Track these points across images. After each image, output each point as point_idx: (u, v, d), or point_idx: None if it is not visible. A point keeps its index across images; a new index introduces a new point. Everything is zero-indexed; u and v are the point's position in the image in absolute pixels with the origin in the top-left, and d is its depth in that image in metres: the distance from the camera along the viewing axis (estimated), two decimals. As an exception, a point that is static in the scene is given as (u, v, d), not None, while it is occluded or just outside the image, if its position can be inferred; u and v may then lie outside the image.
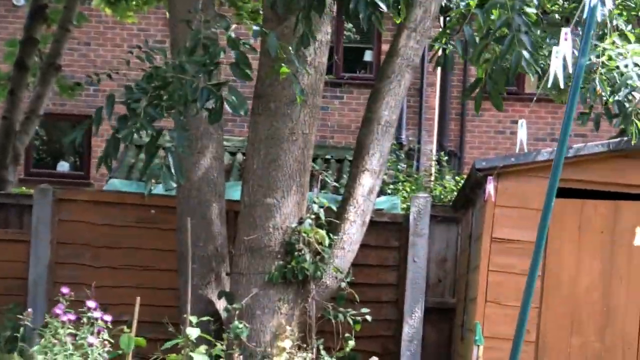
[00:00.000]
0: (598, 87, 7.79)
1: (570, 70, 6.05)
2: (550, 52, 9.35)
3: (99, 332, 7.11)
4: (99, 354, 6.98)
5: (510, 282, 7.64)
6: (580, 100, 8.90)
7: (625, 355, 7.62)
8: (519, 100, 15.38)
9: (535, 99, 8.50)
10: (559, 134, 5.81)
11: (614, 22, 8.34)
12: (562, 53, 5.93)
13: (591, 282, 7.70)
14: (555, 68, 5.94)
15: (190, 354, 7.31)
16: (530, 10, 7.34)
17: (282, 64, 6.71)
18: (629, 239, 7.69)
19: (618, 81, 7.80)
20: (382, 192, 11.17)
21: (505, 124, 15.59)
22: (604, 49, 7.92)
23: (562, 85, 6.10)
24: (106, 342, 7.18)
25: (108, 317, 7.28)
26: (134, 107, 6.38)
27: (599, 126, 8.44)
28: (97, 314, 7.20)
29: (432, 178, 13.86)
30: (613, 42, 8.01)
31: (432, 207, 9.71)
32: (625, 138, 7.78)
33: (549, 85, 6.16)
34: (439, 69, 15.31)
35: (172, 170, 6.41)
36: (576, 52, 5.97)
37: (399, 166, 13.62)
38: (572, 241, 7.67)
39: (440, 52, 8.18)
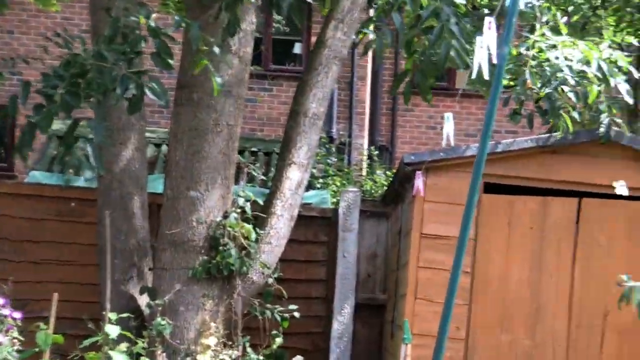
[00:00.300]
0: (528, 80, 7.70)
1: (495, 61, 5.93)
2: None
3: (7, 330, 6.84)
4: (8, 352, 6.71)
5: (440, 278, 7.52)
6: (514, 98, 8.88)
7: (555, 352, 7.52)
8: (449, 95, 15.31)
9: (460, 92, 8.42)
10: (483, 129, 5.65)
11: (544, 18, 8.25)
12: (486, 43, 5.79)
13: (521, 278, 7.60)
14: (480, 59, 5.81)
15: (110, 352, 7.07)
16: (460, 1, 7.24)
17: (203, 56, 6.50)
18: (559, 235, 7.60)
19: (548, 74, 7.74)
20: (311, 186, 11.03)
21: (437, 119, 15.49)
22: (535, 41, 7.83)
23: (486, 77, 5.97)
24: (15, 341, 6.92)
25: (18, 315, 7.01)
26: (50, 93, 6.14)
27: (532, 124, 8.36)
28: (5, 311, 6.93)
29: (363, 172, 13.73)
30: (543, 34, 7.91)
31: (362, 201, 9.59)
32: (554, 134, 7.68)
33: (474, 76, 6.03)
34: (369, 63, 15.23)
35: (92, 161, 6.19)
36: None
37: (328, 160, 13.47)
38: (501, 237, 7.56)
39: (370, 39, 8.03)
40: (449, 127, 6.98)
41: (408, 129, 15.61)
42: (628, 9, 10.26)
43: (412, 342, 7.14)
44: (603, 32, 9.51)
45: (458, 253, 5.48)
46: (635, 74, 7.94)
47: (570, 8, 10.40)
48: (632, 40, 9.81)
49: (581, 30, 10.40)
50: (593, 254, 7.57)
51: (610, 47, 7.93)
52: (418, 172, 7.46)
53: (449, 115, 7.06)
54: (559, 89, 7.66)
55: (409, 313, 7.52)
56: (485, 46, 5.75)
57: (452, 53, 7.04)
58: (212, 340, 7.74)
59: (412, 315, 7.51)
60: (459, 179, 7.58)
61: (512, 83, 9.35)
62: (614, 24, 10.47)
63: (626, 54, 8.46)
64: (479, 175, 5.50)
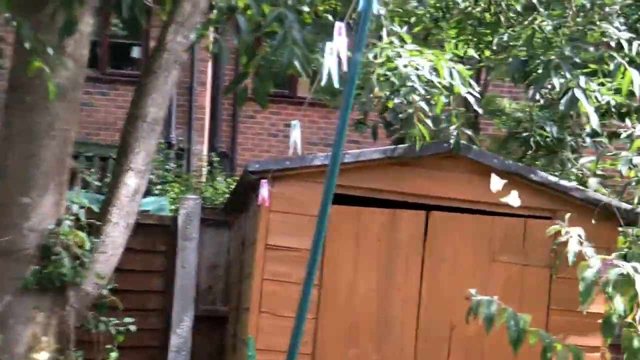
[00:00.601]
0: (376, 88, 7.54)
1: (346, 69, 5.71)
2: (323, 55, 9.18)
3: None
4: None
5: (286, 291, 7.24)
6: (358, 107, 8.74)
7: (401, 367, 7.36)
8: (291, 103, 15.16)
9: (307, 101, 8.15)
10: (334, 138, 5.41)
11: (387, 27, 8.13)
12: (336, 49, 5.57)
13: (368, 292, 7.39)
14: (329, 66, 5.58)
15: None
16: (305, 9, 7.06)
17: (37, 57, 6.10)
18: (407, 248, 7.43)
19: (397, 82, 7.60)
20: (149, 193, 10.68)
21: (279, 127, 15.31)
22: (382, 48, 7.68)
23: (336, 85, 5.75)
24: None
25: None
26: None
27: (377, 135, 8.23)
28: None
29: (203, 179, 13.41)
30: (391, 42, 7.76)
31: (202, 209, 9.29)
32: (402, 145, 7.52)
33: (323, 83, 5.81)
34: (209, 68, 14.93)
35: None
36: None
37: (167, 166, 13.14)
38: (349, 250, 7.33)
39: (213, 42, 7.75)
40: (296, 135, 6.71)
41: (249, 135, 15.35)
42: (469, 22, 10.23)
43: (256, 359, 6.87)
44: (445, 45, 9.48)
45: (310, 266, 5.21)
46: (465, 88, 7.84)
47: (413, 19, 10.32)
48: (473, 52, 9.82)
49: (423, 41, 10.33)
50: (440, 268, 7.43)
51: (451, 59, 7.84)
52: (263, 181, 7.16)
53: (295, 123, 6.78)
54: (409, 97, 7.53)
55: (253, 327, 7.23)
56: (335, 52, 5.51)
57: (295, 61, 6.87)
58: (43, 355, 7.35)
59: (257, 329, 7.21)
60: (306, 189, 7.34)
61: (357, 92, 9.21)
62: (455, 36, 10.43)
63: (467, 67, 8.46)
64: (332, 186, 5.27)
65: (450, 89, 7.66)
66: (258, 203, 7.23)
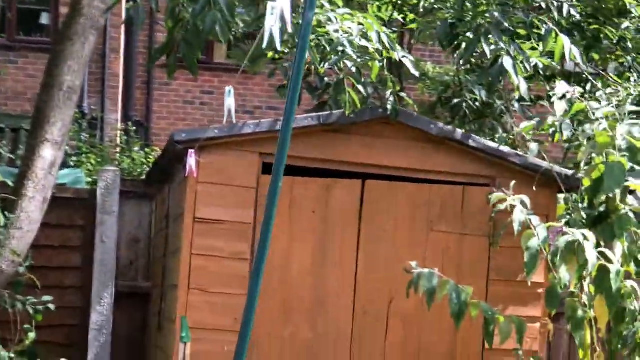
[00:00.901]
0: (307, 54, 7.18)
1: (290, 29, 5.36)
2: (244, 22, 8.81)
3: None
4: None
5: (216, 266, 6.87)
6: (281, 72, 8.39)
7: (338, 342, 7.03)
8: (208, 69, 14.74)
9: (242, 68, 7.70)
10: (285, 105, 5.06)
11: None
12: (279, 9, 5.22)
13: (303, 266, 7.05)
14: (271, 26, 5.23)
15: None
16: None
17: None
18: (343, 220, 7.09)
19: (328, 48, 7.26)
20: (64, 165, 10.24)
21: (195, 94, 14.89)
22: (315, 13, 7.32)
23: (278, 47, 5.42)
24: None
25: None
26: None
27: (300, 100, 7.89)
28: None
29: (119, 150, 12.94)
30: (322, 6, 7.41)
31: (122, 182, 8.86)
32: (336, 112, 7.18)
33: (265, 45, 5.45)
34: (122, 35, 14.45)
35: None
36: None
37: (81, 136, 12.67)
38: (283, 222, 6.98)
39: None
40: (230, 102, 6.34)
41: (165, 103, 14.91)
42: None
43: (190, 341, 6.53)
44: (368, 7, 9.17)
45: (262, 241, 4.88)
46: (400, 52, 7.54)
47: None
48: (398, 16, 9.55)
49: (346, 3, 10.00)
50: (377, 239, 7.11)
51: (379, 31, 7.51)
52: (190, 151, 6.78)
53: (230, 89, 6.40)
54: (340, 64, 7.20)
55: (182, 305, 6.85)
56: (278, 12, 5.16)
57: (217, 27, 6.53)
58: (-42, 338, 6.95)
59: (186, 307, 6.84)
60: (236, 159, 6.97)
61: (277, 56, 8.88)
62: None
63: (392, 30, 8.19)
64: (284, 157, 4.93)
65: (385, 52, 7.36)
66: (185, 174, 6.86)
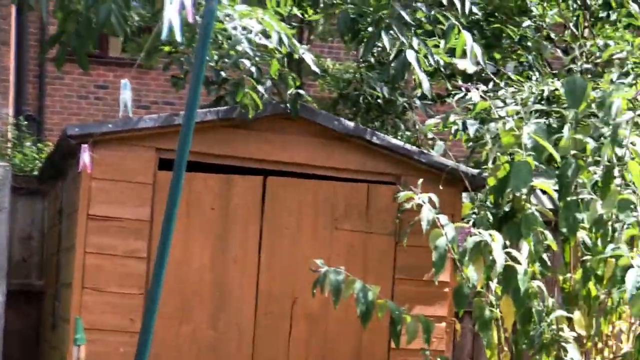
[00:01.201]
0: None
1: (191, 19, 5.03)
2: (140, 15, 8.45)
3: None
4: None
5: (111, 265, 6.51)
6: (177, 65, 8.06)
7: (241, 341, 6.72)
8: (102, 64, 14.26)
9: (138, 63, 7.36)
10: (187, 98, 4.72)
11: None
12: (178, -3, 4.89)
13: (203, 263, 6.72)
14: (170, 16, 4.89)
15: None
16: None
17: None
18: (244, 217, 6.78)
19: (226, 45, 6.95)
20: (-48, 160, 9.73)
21: (89, 89, 14.38)
22: (210, 9, 6.98)
23: (178, 38, 5.07)
24: None
25: None
26: None
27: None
28: None
29: (10, 145, 12.38)
30: (220, 2, 7.08)
31: (13, 177, 8.41)
32: (236, 106, 6.88)
33: (164, 36, 5.11)
34: (13, 27, 13.88)
35: None
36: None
37: (-29, 131, 12.10)
38: (181, 219, 6.63)
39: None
40: (126, 95, 6.00)
41: (58, 98, 14.36)
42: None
43: (85, 343, 6.15)
44: (267, 2, 8.90)
45: (163, 241, 4.55)
46: (300, 48, 7.26)
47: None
48: (296, 11, 9.29)
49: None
50: (279, 237, 6.82)
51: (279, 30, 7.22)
52: (84, 146, 6.39)
53: (125, 82, 6.06)
54: (239, 63, 6.89)
55: (76, 305, 6.46)
56: (177, 1, 4.82)
57: (112, 18, 6.17)
58: None
59: (80, 307, 6.46)
60: (132, 154, 6.62)
61: (173, 50, 8.56)
62: (277, -6, 9.82)
63: (290, 26, 7.91)
64: (185, 152, 4.60)
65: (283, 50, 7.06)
66: (79, 170, 6.48)
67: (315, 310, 6.80)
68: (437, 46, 7.70)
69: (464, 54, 7.30)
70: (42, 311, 8.65)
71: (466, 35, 7.09)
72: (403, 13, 7.26)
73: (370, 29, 7.65)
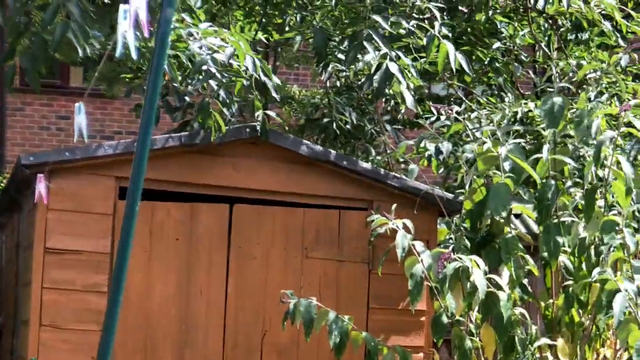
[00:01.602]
0: (167, 72, 6.47)
1: (147, 33, 4.62)
2: (101, 43, 8.07)
3: None
4: None
5: (70, 301, 6.07)
6: (138, 92, 7.69)
7: (208, 378, 6.30)
8: (64, 94, 13.80)
9: (88, 91, 6.92)
10: (141, 118, 4.31)
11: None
12: (133, 11, 4.48)
13: (167, 296, 6.28)
14: (124, 31, 4.49)
15: None
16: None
17: None
18: (210, 246, 6.36)
19: (190, 66, 6.56)
20: None
21: (50, 120, 13.92)
22: (174, 27, 6.61)
23: (134, 55, 4.67)
24: None
25: None
26: None
27: (159, 119, 7.18)
28: None
29: (-32, 178, 11.94)
30: (182, 20, 6.69)
31: (-30, 210, 7.97)
32: (199, 131, 6.48)
33: (118, 54, 4.71)
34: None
35: None
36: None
37: None
38: (143, 250, 6.23)
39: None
40: (81, 119, 5.58)
41: (19, 129, 13.88)
42: (258, 1, 9.23)
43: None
44: (231, 27, 8.55)
45: (117, 272, 4.13)
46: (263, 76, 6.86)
47: (197, -2, 9.28)
48: (261, 36, 8.97)
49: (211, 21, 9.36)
50: (248, 266, 6.40)
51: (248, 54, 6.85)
52: (40, 176, 5.95)
53: (79, 106, 5.64)
54: (205, 84, 6.50)
55: (34, 343, 6.01)
56: (132, 15, 4.42)
57: (69, 34, 5.75)
58: None
59: (38, 345, 6.01)
60: (91, 183, 6.20)
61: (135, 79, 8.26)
62: (241, 18, 9.48)
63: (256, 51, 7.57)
64: (140, 178, 4.19)
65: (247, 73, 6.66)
66: (34, 201, 6.05)
67: (287, 343, 6.37)
68: (416, 59, 7.32)
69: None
70: (1, 348, 8.19)
71: (448, 45, 6.68)
72: (383, 23, 6.82)
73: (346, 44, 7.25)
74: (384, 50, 6.57)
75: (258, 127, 6.36)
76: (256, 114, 6.43)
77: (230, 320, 6.35)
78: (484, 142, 5.95)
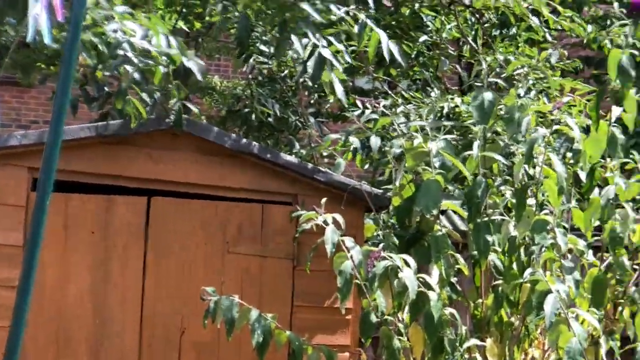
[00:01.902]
0: (83, 56, 6.13)
1: (60, 17, 4.31)
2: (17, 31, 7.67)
3: None
4: None
5: (-16, 297, 5.71)
6: (55, 80, 7.30)
7: (123, 375, 5.97)
8: (-25, 81, 13.29)
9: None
10: (53, 107, 4.00)
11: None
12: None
13: (82, 291, 5.92)
14: (36, 15, 4.19)
15: None
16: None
17: None
18: (126, 240, 6.01)
19: (106, 51, 6.22)
20: None
21: (-38, 107, 13.40)
22: (87, 9, 6.25)
23: (47, 41, 4.35)
24: None
25: None
26: None
27: (77, 110, 6.85)
28: None
29: None
30: (97, 3, 6.34)
31: None
32: (116, 121, 6.15)
33: (29, 39, 4.40)
34: None
35: None
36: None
37: None
38: (57, 243, 5.87)
39: None
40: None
41: None
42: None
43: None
44: (150, 16, 8.22)
45: (27, 267, 3.82)
46: (187, 62, 6.53)
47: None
48: (183, 25, 8.68)
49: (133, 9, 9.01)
50: (166, 262, 6.07)
51: (165, 33, 6.53)
52: (-49, 167, 5.62)
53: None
54: (121, 69, 6.15)
55: (-60, 342, 5.62)
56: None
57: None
58: None
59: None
60: (2, 174, 5.86)
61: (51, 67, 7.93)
62: (162, 7, 9.16)
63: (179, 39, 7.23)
64: (52, 171, 3.89)
65: (168, 58, 6.33)
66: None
67: (207, 340, 6.04)
68: (347, 47, 7.06)
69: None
70: None
71: (380, 33, 6.39)
72: (313, 12, 6.51)
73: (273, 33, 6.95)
74: (315, 38, 6.28)
75: (171, 117, 6.04)
76: (172, 103, 6.11)
77: (148, 317, 6.00)
78: (413, 137, 5.72)
